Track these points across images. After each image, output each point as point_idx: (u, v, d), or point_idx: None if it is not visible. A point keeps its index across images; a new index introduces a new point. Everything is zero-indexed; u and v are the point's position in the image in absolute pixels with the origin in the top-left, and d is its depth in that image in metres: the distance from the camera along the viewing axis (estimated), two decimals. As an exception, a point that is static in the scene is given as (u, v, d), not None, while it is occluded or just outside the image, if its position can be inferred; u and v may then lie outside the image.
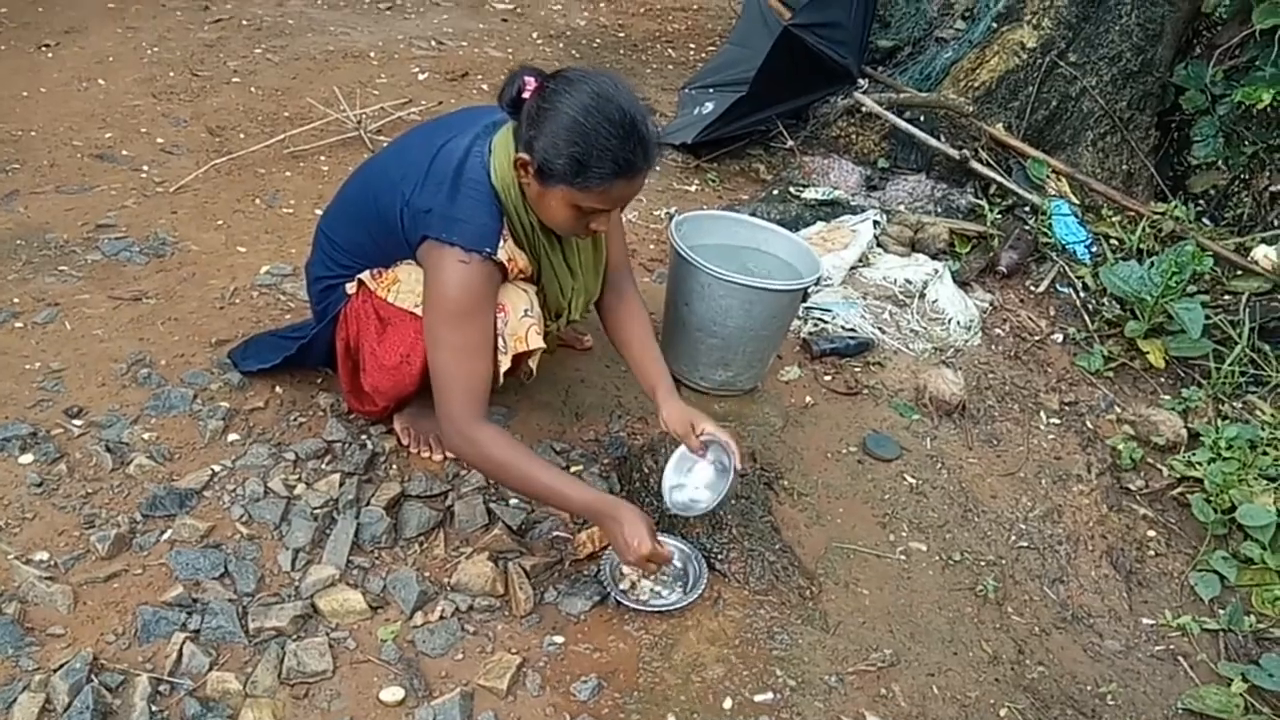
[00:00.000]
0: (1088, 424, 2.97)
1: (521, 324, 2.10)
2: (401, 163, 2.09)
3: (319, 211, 2.38)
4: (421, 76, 4.63)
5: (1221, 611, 2.46)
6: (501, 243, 2.00)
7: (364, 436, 2.38)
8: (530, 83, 1.93)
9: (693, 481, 2.27)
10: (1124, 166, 4.13)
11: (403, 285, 2.11)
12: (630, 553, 1.99)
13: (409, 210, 2.00)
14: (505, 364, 2.09)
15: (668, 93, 4.84)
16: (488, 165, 2.00)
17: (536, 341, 2.11)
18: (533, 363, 2.19)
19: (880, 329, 3.18)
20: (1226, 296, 3.43)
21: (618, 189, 1.92)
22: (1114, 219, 3.80)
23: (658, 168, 4.06)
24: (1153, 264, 3.31)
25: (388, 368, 2.17)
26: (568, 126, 1.84)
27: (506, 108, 1.98)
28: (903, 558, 2.39)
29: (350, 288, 2.21)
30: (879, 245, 3.61)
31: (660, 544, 2.04)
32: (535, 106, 1.89)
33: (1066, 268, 3.58)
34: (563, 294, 2.25)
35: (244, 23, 4.99)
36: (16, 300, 2.68)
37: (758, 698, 1.95)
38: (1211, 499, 2.68)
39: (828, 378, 2.96)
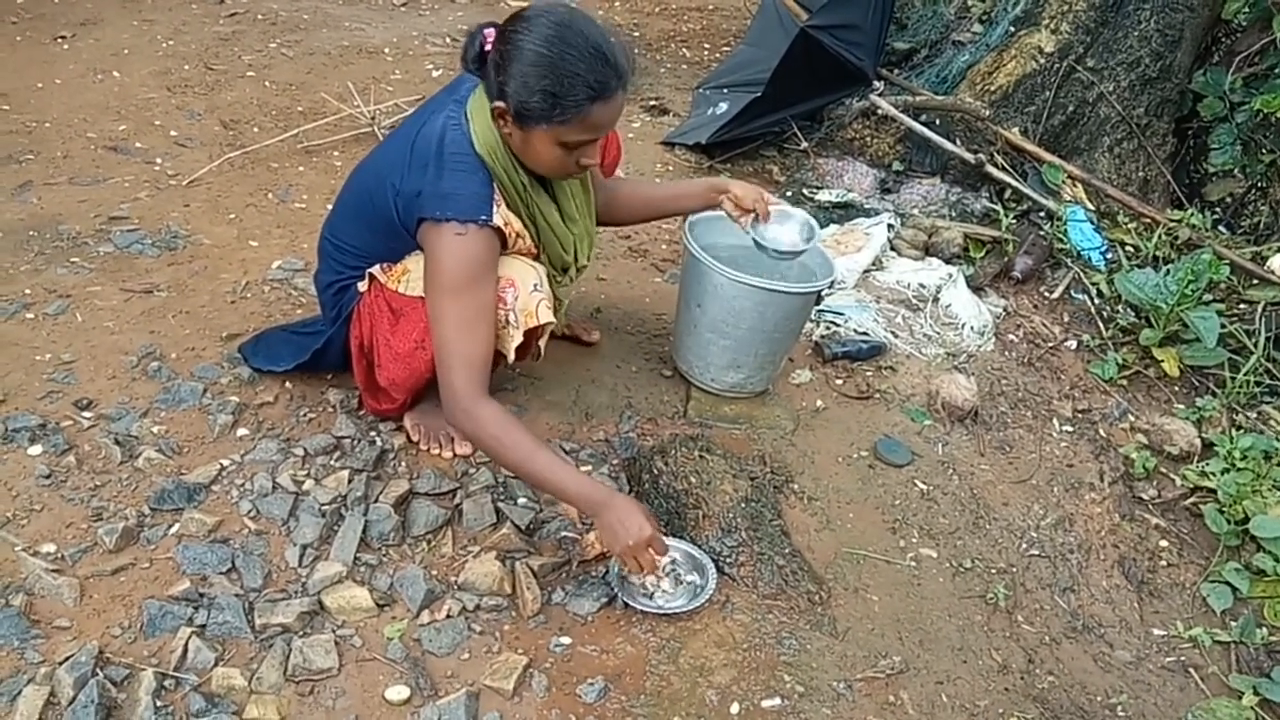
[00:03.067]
0: (1101, 432, 2.95)
1: (531, 299, 2.09)
2: (387, 157, 2.10)
3: (327, 212, 2.38)
4: (436, 73, 4.63)
5: (1233, 623, 2.44)
6: (495, 208, 1.99)
7: (373, 433, 2.37)
8: (489, 34, 1.93)
9: (774, 232, 2.45)
10: (1140, 173, 4.10)
11: (412, 275, 2.10)
12: (627, 536, 1.95)
13: (401, 198, 2.00)
14: (517, 338, 2.09)
15: (682, 92, 4.83)
16: (468, 133, 1.99)
17: (547, 316, 2.10)
18: (542, 342, 2.19)
19: (893, 333, 3.16)
20: (1242, 305, 3.40)
21: (596, 114, 1.91)
22: (1130, 226, 3.77)
23: (671, 166, 4.06)
24: (1168, 272, 3.28)
25: (402, 356, 2.16)
26: (533, 62, 1.84)
27: (472, 66, 1.97)
28: (913, 564, 2.38)
29: (361, 285, 2.20)
30: (893, 249, 3.59)
31: (663, 551, 2.03)
32: (499, 53, 1.89)
33: (1081, 274, 3.55)
34: (565, 248, 2.24)
35: (259, 17, 5.00)
36: (28, 291, 2.68)
37: (765, 703, 1.93)
38: (1224, 510, 2.66)
39: (839, 381, 2.94)
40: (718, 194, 2.43)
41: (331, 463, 2.28)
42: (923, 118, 3.99)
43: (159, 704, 1.72)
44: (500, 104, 1.91)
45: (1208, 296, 3.29)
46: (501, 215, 2.02)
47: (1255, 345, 3.16)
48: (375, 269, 2.16)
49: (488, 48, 1.93)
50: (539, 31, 1.85)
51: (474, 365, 1.97)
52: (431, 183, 1.96)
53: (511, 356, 2.12)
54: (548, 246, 2.21)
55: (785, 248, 2.44)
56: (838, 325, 3.13)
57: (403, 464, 2.32)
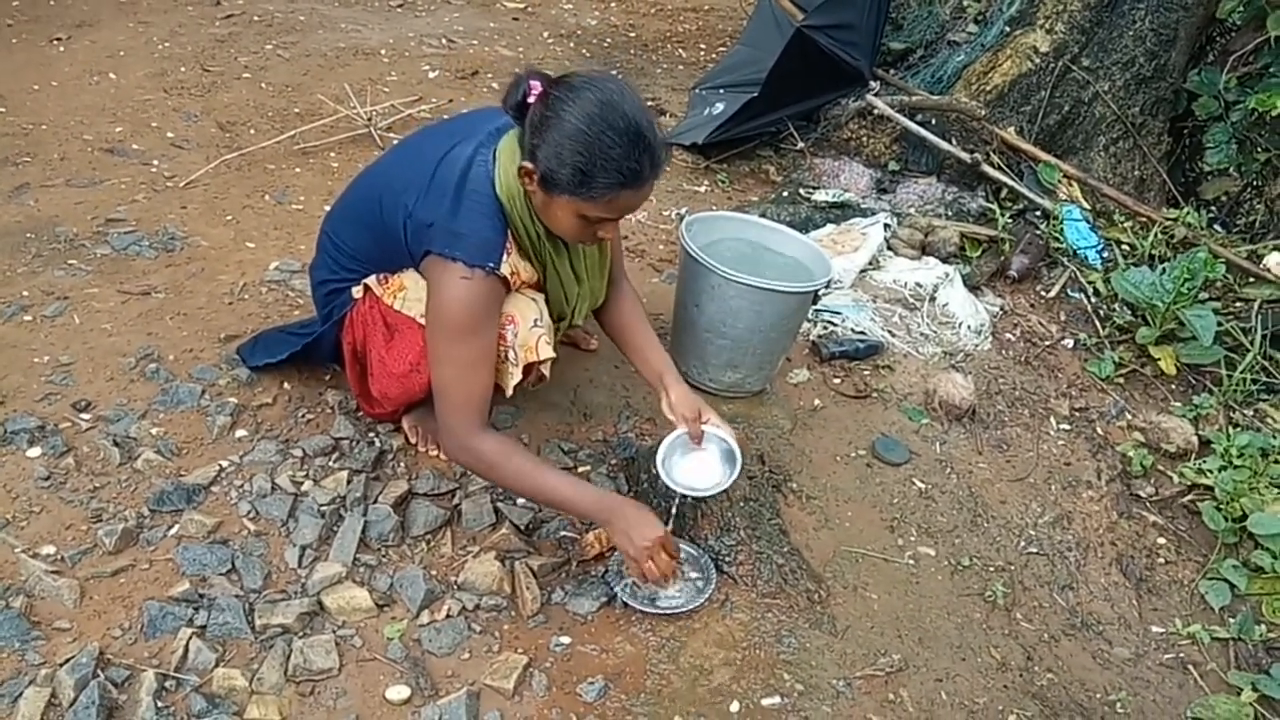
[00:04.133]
0: (1098, 430, 2.96)
1: (531, 334, 2.08)
2: (405, 171, 2.05)
3: (329, 208, 2.38)
4: (432, 74, 4.63)
5: (1232, 620, 2.44)
6: (505, 256, 1.96)
7: (372, 434, 2.37)
8: (535, 87, 1.88)
9: (691, 465, 2.21)
10: (1136, 172, 4.11)
11: (409, 293, 2.09)
12: (642, 540, 1.97)
13: (412, 223, 1.97)
14: (517, 375, 2.08)
15: (678, 93, 4.84)
16: (492, 175, 1.96)
17: (547, 352, 2.09)
18: (545, 369, 2.18)
19: (890, 332, 3.17)
20: (1238, 304, 3.41)
21: (624, 198, 1.87)
22: (1126, 224, 3.78)
23: (666, 169, 4.06)
24: (1164, 270, 3.29)
25: (396, 376, 2.16)
26: (571, 136, 1.79)
27: (511, 112, 1.94)
28: (911, 562, 2.38)
29: (356, 292, 2.19)
30: (889, 248, 3.59)
31: (675, 557, 2.04)
32: (539, 114, 1.84)
33: (1078, 273, 3.56)
34: (567, 300, 2.22)
35: (255, 18, 4.99)
36: (25, 293, 2.68)
37: (765, 701, 1.94)
38: (1222, 507, 2.66)
39: (837, 380, 2.94)
40: (663, 387, 2.27)
41: (330, 464, 2.28)
42: (919, 117, 3.99)
43: (160, 705, 1.72)
44: (528, 165, 1.86)
45: (1204, 295, 3.30)
46: (511, 264, 1.99)
47: (1252, 343, 3.17)
48: (371, 280, 2.14)
49: (530, 99, 1.88)
50: (583, 106, 1.80)
51: (471, 405, 1.96)
52: (446, 217, 1.93)
53: (510, 392, 2.12)
54: (551, 293, 2.19)
55: (684, 489, 2.16)
56: (835, 325, 3.14)
57: (401, 465, 2.32)
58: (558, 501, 2.03)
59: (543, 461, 2.05)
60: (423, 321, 2.04)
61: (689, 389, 2.26)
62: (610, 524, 2.01)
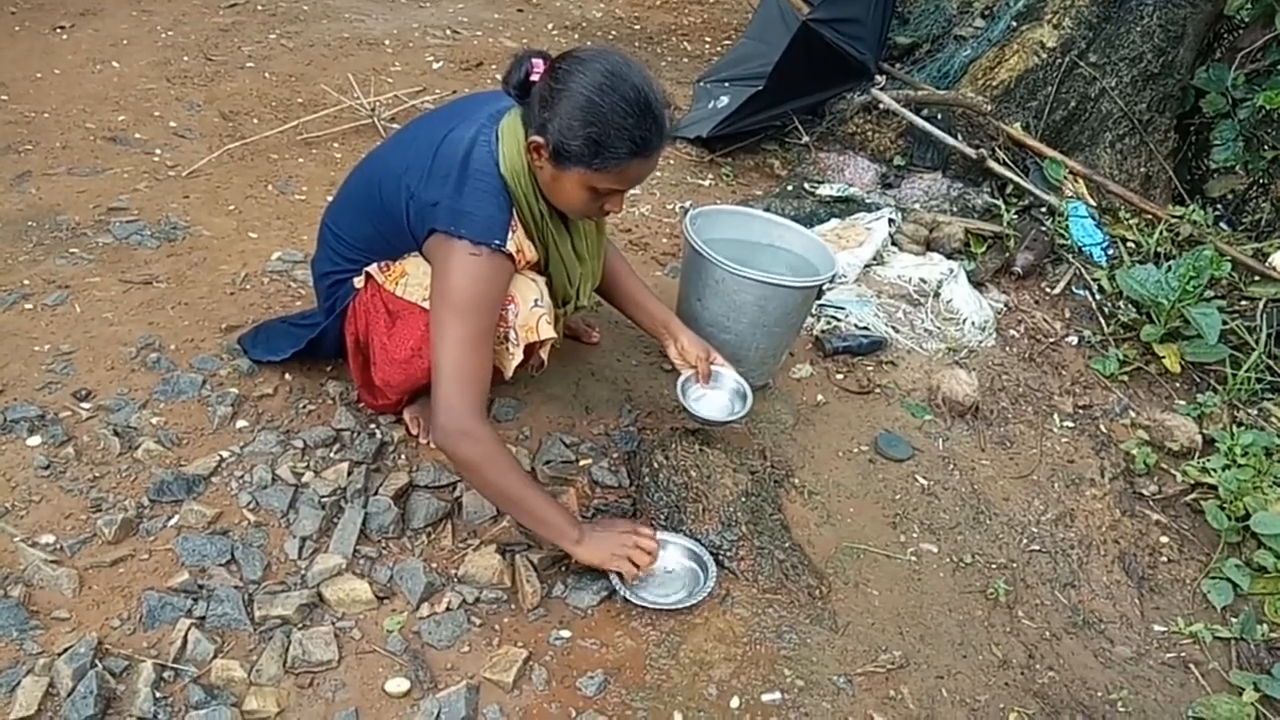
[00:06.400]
0: (1102, 428, 2.95)
1: (532, 315, 2.07)
2: (405, 155, 2.05)
3: (331, 199, 2.37)
4: (436, 65, 4.62)
5: (1234, 620, 2.43)
6: (510, 234, 1.97)
7: (373, 425, 2.37)
8: (538, 65, 1.90)
9: (707, 401, 2.40)
10: (1142, 169, 4.09)
11: (411, 278, 2.08)
12: (615, 540, 2.00)
13: (415, 203, 1.97)
14: (518, 356, 2.07)
15: (683, 86, 4.82)
16: (495, 154, 1.96)
17: (548, 331, 2.08)
18: (544, 353, 2.17)
19: (894, 328, 3.16)
20: (1244, 302, 3.40)
21: (634, 168, 1.90)
22: (1131, 222, 3.77)
23: (671, 160, 4.05)
24: (1170, 268, 3.28)
25: (398, 361, 2.15)
26: (582, 107, 1.82)
27: (514, 91, 1.95)
28: (913, 559, 2.37)
29: (358, 282, 2.18)
30: (894, 244, 3.58)
31: (652, 536, 2.06)
32: (547, 88, 1.87)
33: (1082, 270, 3.55)
34: (570, 281, 2.23)
35: (259, 8, 4.98)
36: (27, 282, 2.67)
37: (765, 697, 1.93)
38: (1225, 506, 2.65)
39: (840, 376, 2.93)
40: (669, 335, 2.41)
41: (331, 455, 2.28)
42: (924, 112, 3.98)
43: (158, 695, 1.71)
44: (539, 138, 1.88)
45: (1209, 293, 3.29)
46: (516, 242, 1.99)
47: (1256, 342, 3.16)
48: (373, 268, 2.14)
49: (534, 77, 1.90)
50: (592, 76, 1.83)
51: (475, 387, 1.94)
52: (450, 197, 1.93)
53: (509, 374, 2.11)
54: (555, 275, 2.19)
55: (712, 416, 2.35)
56: (838, 320, 3.12)
57: (402, 456, 2.32)
58: (533, 512, 1.98)
59: (525, 472, 2.04)
60: (425, 305, 2.03)
61: (694, 334, 2.41)
62: (581, 541, 1.99)
